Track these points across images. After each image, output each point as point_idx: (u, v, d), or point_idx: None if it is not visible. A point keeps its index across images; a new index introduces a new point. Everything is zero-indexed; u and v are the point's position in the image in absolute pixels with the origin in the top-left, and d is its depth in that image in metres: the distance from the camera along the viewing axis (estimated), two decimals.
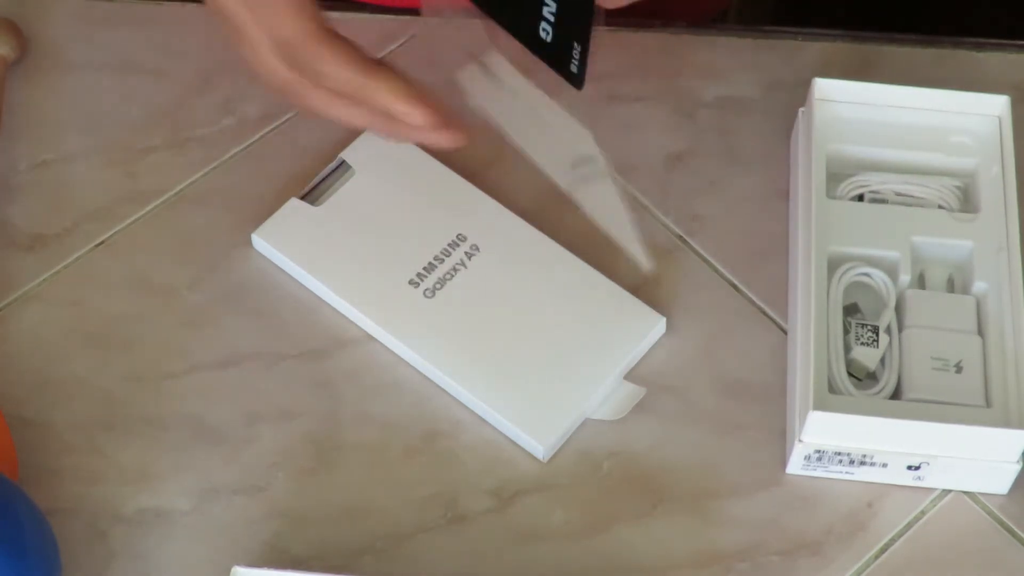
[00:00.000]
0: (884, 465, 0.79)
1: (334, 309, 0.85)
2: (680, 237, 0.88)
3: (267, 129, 0.91)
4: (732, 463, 0.81)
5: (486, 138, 0.91)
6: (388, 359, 0.83)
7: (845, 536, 0.79)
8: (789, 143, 0.90)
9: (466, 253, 0.86)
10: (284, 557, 0.78)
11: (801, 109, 0.88)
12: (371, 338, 0.84)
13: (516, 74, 0.81)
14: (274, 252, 0.86)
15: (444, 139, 0.78)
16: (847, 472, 0.80)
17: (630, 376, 0.83)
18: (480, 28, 0.95)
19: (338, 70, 0.76)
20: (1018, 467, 0.79)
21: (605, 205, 0.81)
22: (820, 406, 0.77)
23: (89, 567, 0.77)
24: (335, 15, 0.95)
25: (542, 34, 0.77)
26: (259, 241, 0.86)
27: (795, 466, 0.80)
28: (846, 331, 0.81)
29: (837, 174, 0.86)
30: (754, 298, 0.86)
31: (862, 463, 0.79)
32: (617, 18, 0.95)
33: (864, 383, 0.81)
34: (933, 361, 0.80)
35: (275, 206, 0.87)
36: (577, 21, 0.75)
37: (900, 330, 0.82)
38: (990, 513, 0.80)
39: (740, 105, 0.92)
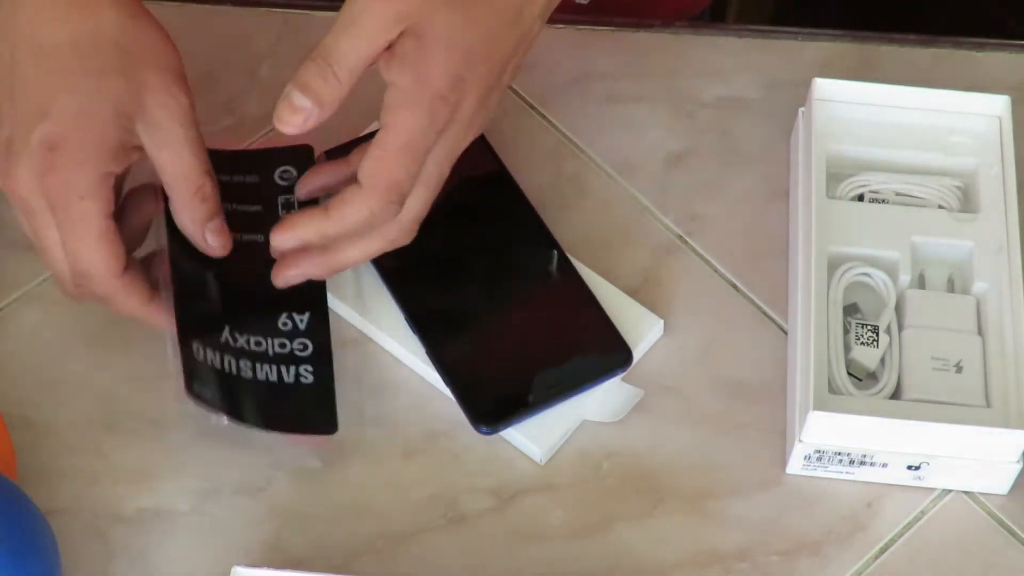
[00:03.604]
0: (884, 465, 0.79)
1: (333, 310, 0.85)
2: (680, 237, 0.88)
3: (267, 129, 0.91)
4: (732, 463, 0.81)
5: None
6: (388, 360, 0.83)
7: (845, 536, 0.79)
8: (789, 143, 0.90)
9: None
10: (284, 557, 0.78)
11: (801, 109, 0.88)
12: (370, 339, 0.84)
13: None
14: None
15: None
16: (847, 472, 0.80)
17: (629, 377, 0.83)
18: None
19: (124, 303, 0.78)
20: (1018, 467, 0.79)
21: None
22: (820, 406, 0.77)
23: (89, 567, 0.77)
24: (335, 15, 0.96)
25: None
26: None
27: (795, 466, 0.80)
28: (846, 331, 0.81)
29: (837, 174, 0.86)
30: (754, 298, 0.86)
31: (862, 463, 0.79)
32: (615, 17, 0.96)
33: (864, 383, 0.81)
34: (933, 361, 0.80)
35: None
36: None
37: (900, 330, 0.82)
38: (990, 513, 0.80)
39: (740, 105, 0.92)
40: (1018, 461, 0.79)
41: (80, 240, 0.76)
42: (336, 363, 0.83)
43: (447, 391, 0.81)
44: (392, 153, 0.74)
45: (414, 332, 0.82)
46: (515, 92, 0.92)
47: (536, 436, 0.81)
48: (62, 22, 0.76)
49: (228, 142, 0.86)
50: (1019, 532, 0.80)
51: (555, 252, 0.85)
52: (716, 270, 0.87)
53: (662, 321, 0.84)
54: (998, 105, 0.87)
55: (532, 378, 0.81)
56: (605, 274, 0.85)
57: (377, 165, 0.74)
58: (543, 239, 0.85)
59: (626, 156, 0.90)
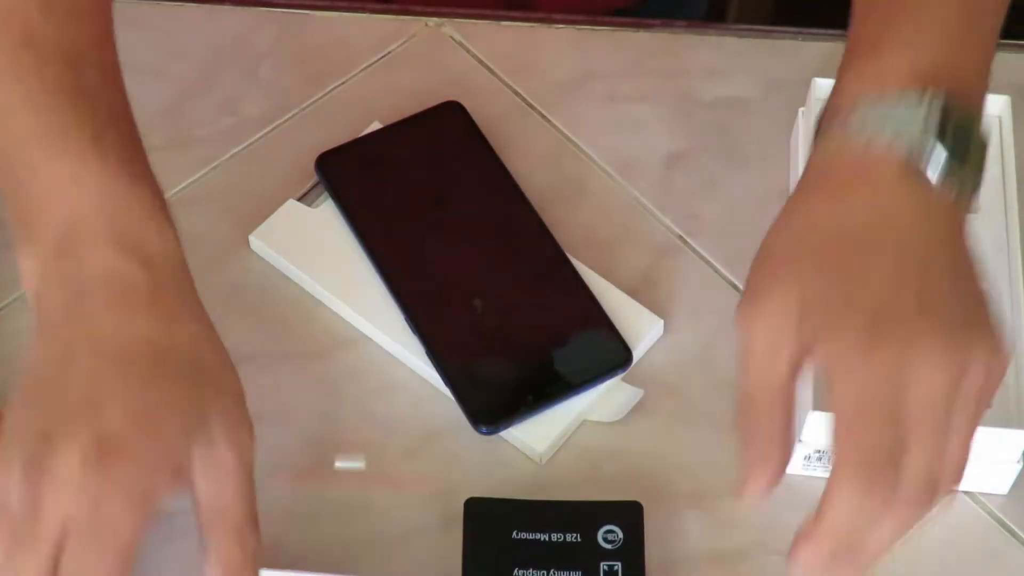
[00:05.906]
0: None
1: (333, 310, 0.85)
2: (680, 237, 0.88)
3: (267, 129, 0.91)
4: (732, 463, 0.81)
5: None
6: (387, 359, 0.83)
7: None
8: (789, 143, 0.90)
9: None
10: (284, 557, 0.78)
11: (801, 109, 0.88)
12: (370, 339, 0.84)
13: None
14: (271, 254, 0.86)
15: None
16: None
17: (629, 377, 0.83)
18: (479, 31, 0.95)
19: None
20: (1018, 467, 0.79)
21: None
22: (820, 406, 0.77)
23: None
24: (334, 15, 0.96)
25: None
26: (256, 243, 0.86)
27: (795, 466, 0.80)
28: None
29: None
30: None
31: None
32: (614, 17, 0.96)
33: None
34: None
35: (275, 206, 0.87)
36: None
37: None
38: (990, 513, 0.80)
39: (740, 105, 0.92)
40: (1018, 461, 0.79)
41: (97, 555, 0.64)
42: (336, 363, 0.83)
43: (447, 391, 0.81)
44: (857, 416, 0.65)
45: (414, 332, 0.82)
46: (515, 92, 0.92)
47: (536, 436, 0.80)
48: (136, 319, 0.67)
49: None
50: (1019, 532, 0.80)
51: (555, 252, 0.85)
52: (716, 270, 0.87)
53: (662, 321, 0.84)
54: (998, 105, 0.87)
55: (532, 378, 0.81)
56: (605, 274, 0.85)
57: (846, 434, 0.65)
58: (543, 239, 0.85)
59: (626, 156, 0.91)
